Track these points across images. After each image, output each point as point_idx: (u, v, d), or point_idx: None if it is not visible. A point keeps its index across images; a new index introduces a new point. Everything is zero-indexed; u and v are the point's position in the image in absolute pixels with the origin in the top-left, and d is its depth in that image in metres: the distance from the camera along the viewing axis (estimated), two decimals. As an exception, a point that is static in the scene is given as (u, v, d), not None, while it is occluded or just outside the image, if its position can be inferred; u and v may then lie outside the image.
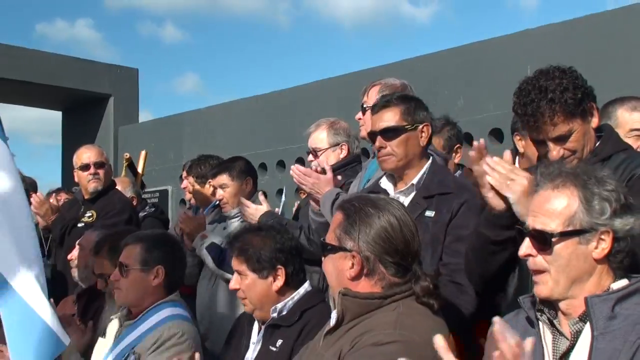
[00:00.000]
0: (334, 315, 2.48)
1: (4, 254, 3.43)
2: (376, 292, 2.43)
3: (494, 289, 2.98)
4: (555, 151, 2.77)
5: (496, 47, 6.79)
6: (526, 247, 2.18)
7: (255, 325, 3.43)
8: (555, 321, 2.19)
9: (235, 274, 3.33)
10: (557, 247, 2.14)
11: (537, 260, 2.17)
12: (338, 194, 3.72)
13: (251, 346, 3.39)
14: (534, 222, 2.18)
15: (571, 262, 2.14)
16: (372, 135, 3.45)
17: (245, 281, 3.28)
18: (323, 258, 2.57)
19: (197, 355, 2.66)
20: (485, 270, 2.88)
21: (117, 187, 5.89)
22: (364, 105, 4.02)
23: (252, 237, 3.33)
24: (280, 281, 3.27)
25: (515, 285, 2.87)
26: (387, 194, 3.42)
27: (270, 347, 3.19)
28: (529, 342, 1.92)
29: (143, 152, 8.48)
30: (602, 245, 2.14)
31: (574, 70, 2.78)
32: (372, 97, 4.00)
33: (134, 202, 6.32)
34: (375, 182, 3.64)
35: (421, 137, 3.39)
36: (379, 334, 2.30)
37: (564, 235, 2.13)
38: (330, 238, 2.51)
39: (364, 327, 2.37)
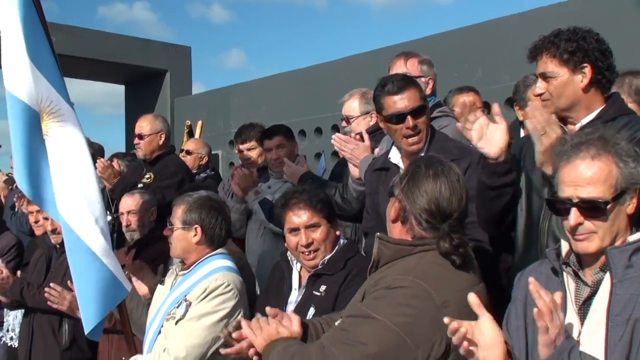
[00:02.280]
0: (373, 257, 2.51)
1: (74, 209, 3.50)
2: (407, 240, 2.44)
3: (502, 231, 3.00)
4: (539, 87, 2.80)
5: (512, 24, 6.71)
6: (575, 217, 2.12)
7: (295, 273, 3.44)
8: (579, 272, 2.19)
9: (304, 230, 3.27)
10: (609, 212, 2.11)
11: (586, 225, 2.12)
12: (374, 159, 3.72)
13: (293, 291, 3.39)
14: (578, 192, 2.12)
15: (615, 222, 2.12)
16: (399, 117, 3.32)
17: (319, 232, 3.27)
18: None
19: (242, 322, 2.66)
20: (489, 214, 2.90)
21: (174, 152, 5.96)
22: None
23: (310, 193, 3.35)
24: (339, 230, 3.36)
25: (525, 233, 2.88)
26: (398, 168, 3.40)
27: (314, 292, 3.20)
28: (558, 296, 1.97)
29: (200, 122, 8.58)
30: (633, 202, 2.14)
31: (590, 32, 2.75)
32: (395, 70, 4.02)
33: (205, 161, 6.48)
34: (384, 158, 3.58)
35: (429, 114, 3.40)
36: (393, 278, 2.31)
37: (615, 200, 2.11)
38: (394, 182, 2.54)
39: (388, 271, 2.38)
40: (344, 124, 4.77)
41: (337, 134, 4.02)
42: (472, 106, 2.80)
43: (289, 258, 3.48)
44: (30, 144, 3.42)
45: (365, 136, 3.88)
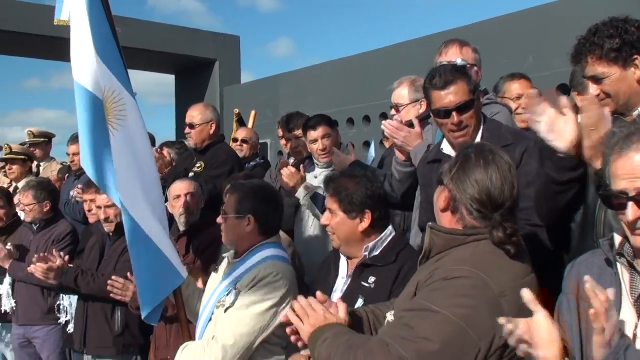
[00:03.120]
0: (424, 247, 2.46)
1: (133, 196, 3.57)
2: (458, 229, 2.39)
3: (562, 222, 2.92)
4: (592, 89, 2.69)
5: (563, 9, 6.57)
6: (634, 212, 1.99)
7: (343, 262, 3.42)
8: (634, 262, 2.10)
9: (327, 212, 3.33)
10: None
11: None
12: (429, 146, 3.67)
13: (340, 280, 3.37)
14: (636, 184, 1.99)
15: None
16: (445, 113, 3.27)
17: (335, 219, 3.27)
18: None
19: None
20: (553, 207, 2.79)
21: (224, 141, 5.98)
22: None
23: (347, 181, 3.30)
24: (366, 223, 3.24)
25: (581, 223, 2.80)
26: (451, 159, 3.36)
27: (363, 282, 3.16)
28: (611, 293, 1.87)
29: (253, 112, 8.61)
30: None
31: (628, 21, 2.63)
32: (450, 55, 3.95)
33: (255, 150, 6.51)
34: (437, 150, 3.53)
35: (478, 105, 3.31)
36: (449, 269, 2.26)
37: None
38: (443, 171, 2.48)
39: (442, 262, 2.33)
40: (393, 112, 4.72)
41: (388, 120, 3.97)
42: (540, 97, 2.69)
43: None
44: (96, 132, 3.51)
45: (417, 123, 3.82)
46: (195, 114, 5.63)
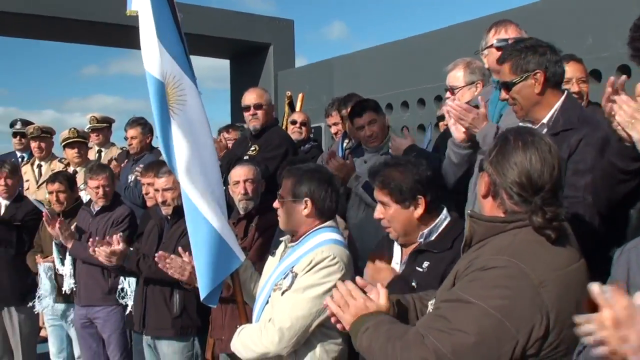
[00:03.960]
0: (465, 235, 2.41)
1: (193, 179, 3.63)
2: (498, 216, 2.33)
3: (620, 211, 2.84)
4: None
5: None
6: None
7: (397, 247, 3.41)
8: None
9: (379, 205, 3.30)
10: None
11: None
12: (498, 127, 3.62)
13: (394, 265, 3.36)
14: None
15: None
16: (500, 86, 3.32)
17: (389, 211, 3.25)
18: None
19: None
20: (613, 195, 2.73)
21: (278, 124, 6.02)
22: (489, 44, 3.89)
23: (392, 171, 3.27)
24: (420, 209, 3.21)
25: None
26: None
27: (417, 267, 3.15)
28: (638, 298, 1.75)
29: (300, 95, 8.60)
30: None
31: None
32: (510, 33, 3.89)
33: (309, 133, 6.52)
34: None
35: (535, 84, 3.20)
36: (487, 259, 2.19)
37: None
38: (484, 157, 2.44)
39: (481, 251, 2.27)
40: (448, 94, 4.65)
41: (455, 102, 3.90)
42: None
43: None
44: (162, 116, 3.60)
45: (482, 104, 3.73)
46: (261, 95, 5.69)
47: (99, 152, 8.05)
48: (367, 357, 2.31)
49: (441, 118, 5.38)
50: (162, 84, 3.59)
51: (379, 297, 2.48)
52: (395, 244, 3.41)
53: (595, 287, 1.82)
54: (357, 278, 2.61)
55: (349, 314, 2.42)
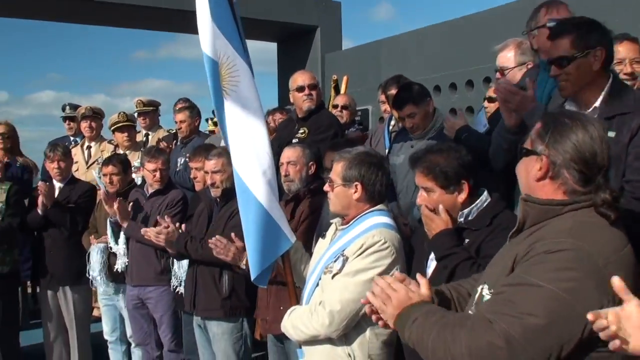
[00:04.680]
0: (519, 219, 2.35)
1: (244, 160, 3.66)
2: (556, 199, 2.26)
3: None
4: None
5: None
6: None
7: None
8: None
9: (422, 191, 3.27)
10: None
11: None
12: (547, 109, 3.53)
13: None
14: None
15: None
16: (549, 62, 3.22)
17: (433, 197, 3.23)
18: (519, 162, 2.42)
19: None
20: None
21: (325, 107, 6.00)
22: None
23: (435, 156, 3.24)
24: (464, 194, 3.19)
25: None
26: None
27: None
28: None
29: (345, 77, 8.55)
30: None
31: None
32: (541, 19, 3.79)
33: (354, 116, 6.48)
34: (560, 105, 3.38)
35: (594, 61, 3.08)
36: (550, 242, 2.13)
37: None
38: (527, 143, 2.36)
39: (540, 234, 2.21)
40: (498, 75, 4.57)
41: (501, 83, 3.82)
42: None
43: None
44: (217, 97, 3.66)
45: (530, 85, 3.64)
46: (314, 76, 5.74)
47: (146, 135, 8.13)
48: (418, 348, 2.25)
49: (490, 99, 5.29)
50: (215, 64, 3.63)
51: (420, 287, 2.44)
52: None
53: (615, 281, 1.87)
54: (396, 273, 2.59)
55: (392, 306, 2.36)
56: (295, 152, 4.65)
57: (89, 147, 7.86)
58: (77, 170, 7.60)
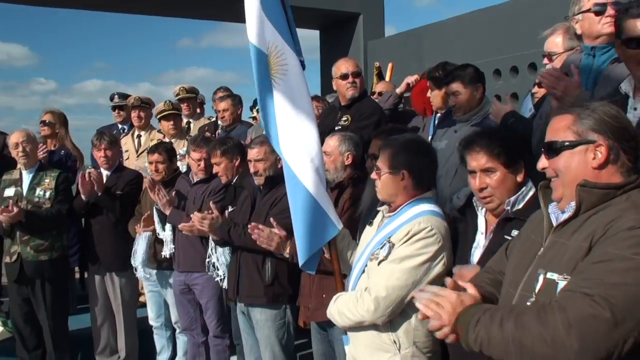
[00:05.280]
0: (571, 206, 2.31)
1: (293, 148, 3.68)
2: (612, 183, 2.27)
3: None
4: None
5: None
6: None
7: (481, 218, 3.35)
8: None
9: (479, 174, 3.22)
10: None
11: None
12: (593, 96, 3.45)
13: (480, 235, 3.33)
14: None
15: None
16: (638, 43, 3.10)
17: (493, 178, 3.19)
18: (552, 157, 2.39)
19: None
20: None
21: (367, 95, 5.96)
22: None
23: (492, 137, 3.23)
24: (522, 175, 3.19)
25: None
26: (627, 97, 3.17)
27: (506, 236, 3.07)
28: None
29: (390, 64, 8.48)
30: None
31: None
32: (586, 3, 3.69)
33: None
34: (615, 87, 3.32)
35: None
36: (630, 219, 2.12)
37: None
38: (564, 136, 2.34)
39: (611, 214, 2.19)
40: (545, 61, 4.48)
41: (547, 69, 3.74)
42: None
43: (474, 202, 3.41)
44: (261, 85, 3.68)
45: (576, 72, 3.56)
46: (357, 64, 5.71)
47: (188, 123, 8.18)
48: (489, 347, 2.18)
49: (540, 84, 5.20)
50: (262, 54, 3.64)
51: (468, 290, 2.42)
52: (479, 215, 3.36)
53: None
54: (448, 278, 2.55)
55: (446, 312, 2.30)
56: (330, 142, 4.63)
57: (139, 136, 7.94)
58: (127, 159, 7.71)
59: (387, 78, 8.23)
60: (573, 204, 2.31)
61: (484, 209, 3.35)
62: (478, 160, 3.22)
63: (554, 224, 2.39)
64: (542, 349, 2.04)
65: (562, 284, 2.19)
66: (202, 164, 5.75)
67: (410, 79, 6.25)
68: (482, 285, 2.60)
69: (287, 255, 4.29)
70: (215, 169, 5.57)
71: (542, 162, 2.44)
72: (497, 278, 2.65)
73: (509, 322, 2.12)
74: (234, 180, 5.57)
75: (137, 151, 7.85)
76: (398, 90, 6.34)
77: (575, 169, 2.33)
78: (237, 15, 3.78)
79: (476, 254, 3.28)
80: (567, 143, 2.34)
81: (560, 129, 2.37)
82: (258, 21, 3.63)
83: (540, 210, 2.50)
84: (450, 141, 4.75)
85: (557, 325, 2.02)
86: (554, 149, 2.38)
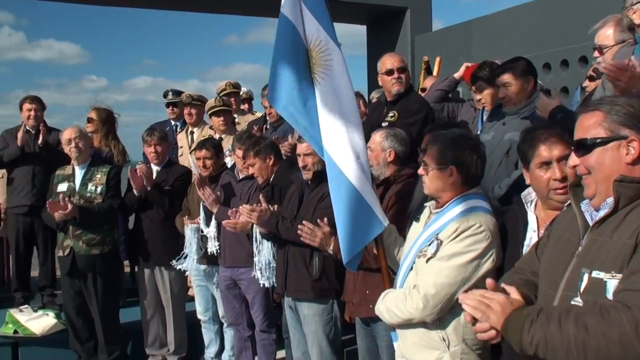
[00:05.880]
0: (608, 202, 2.28)
1: (338, 144, 3.65)
2: None
3: None
4: None
5: None
6: None
7: (531, 215, 3.25)
8: None
9: (556, 164, 3.09)
10: None
11: None
12: None
13: (531, 233, 3.23)
14: None
15: None
16: None
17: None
18: (583, 154, 2.36)
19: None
20: None
21: (414, 90, 5.94)
22: None
23: (558, 126, 3.18)
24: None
25: None
26: None
27: None
28: None
29: (438, 58, 8.43)
30: None
31: None
32: None
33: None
34: None
35: None
36: None
37: None
38: (595, 133, 2.32)
39: None
40: (596, 54, 4.40)
41: (609, 61, 3.67)
42: None
43: (523, 199, 3.32)
44: (299, 79, 3.66)
45: (637, 63, 3.48)
46: (402, 59, 5.69)
47: (233, 119, 8.25)
48: (543, 351, 2.14)
49: (591, 78, 5.13)
50: (300, 44, 3.64)
51: (512, 294, 2.39)
52: (529, 211, 3.27)
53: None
54: (488, 280, 2.49)
55: (495, 314, 2.28)
56: (375, 138, 4.62)
57: (191, 133, 8.03)
58: (181, 155, 7.82)
59: (435, 73, 8.19)
60: (610, 200, 2.28)
61: (532, 205, 3.27)
62: (553, 150, 3.12)
63: (590, 222, 2.36)
64: (609, 349, 2.01)
65: (611, 283, 2.14)
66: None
67: (469, 64, 6.25)
68: (517, 286, 2.55)
69: (331, 252, 4.30)
70: (250, 171, 5.65)
71: (573, 160, 2.41)
72: (529, 278, 2.61)
73: (568, 323, 2.09)
74: (271, 179, 5.62)
75: (190, 147, 7.95)
76: (457, 75, 6.31)
77: (609, 165, 2.30)
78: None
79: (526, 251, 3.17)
80: (599, 140, 2.31)
81: (590, 126, 2.35)
82: (300, 15, 3.64)
83: (568, 209, 2.48)
84: (497, 133, 4.73)
85: (624, 325, 1.99)
86: (585, 146, 2.35)
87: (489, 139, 4.67)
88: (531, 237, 3.21)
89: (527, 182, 3.25)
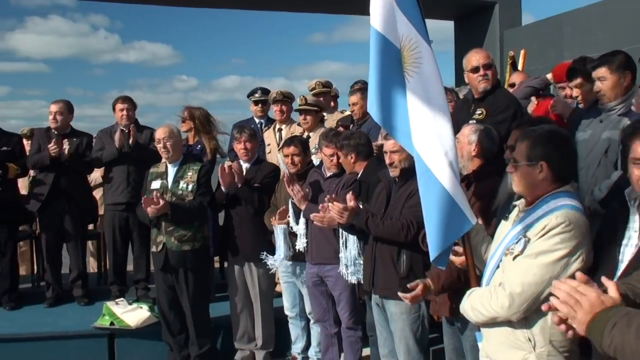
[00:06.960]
0: None
1: (426, 141, 3.65)
2: None
3: None
4: None
5: None
6: None
7: (634, 214, 3.11)
8: None
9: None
10: None
11: None
12: None
13: (633, 233, 3.10)
14: None
15: None
16: None
17: None
18: None
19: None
20: None
21: (501, 86, 5.84)
22: None
23: None
24: None
25: None
26: None
27: None
28: None
29: (522, 51, 8.26)
30: None
31: None
32: None
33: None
34: None
35: None
36: None
37: None
38: None
39: None
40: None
41: None
42: None
43: (627, 197, 3.17)
44: (388, 78, 3.67)
45: None
46: (488, 55, 5.57)
47: (321, 117, 8.30)
48: (619, 356, 2.07)
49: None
50: (390, 44, 3.64)
51: (609, 290, 2.29)
52: (632, 209, 3.12)
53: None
54: (578, 273, 2.41)
55: (583, 312, 2.19)
56: (464, 131, 4.59)
57: (279, 130, 8.15)
58: (269, 152, 7.94)
59: (520, 67, 8.03)
60: None
61: (636, 203, 3.12)
62: None
63: None
64: None
65: None
66: (334, 159, 5.88)
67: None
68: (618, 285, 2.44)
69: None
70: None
71: None
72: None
73: None
74: (359, 175, 5.66)
75: (278, 144, 8.07)
76: (549, 76, 6.21)
77: None
78: (369, 8, 3.79)
79: (627, 252, 3.07)
80: None
81: None
82: (392, 14, 3.64)
83: None
84: (595, 131, 4.61)
85: None
86: None
87: (586, 138, 4.57)
88: (630, 236, 3.09)
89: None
